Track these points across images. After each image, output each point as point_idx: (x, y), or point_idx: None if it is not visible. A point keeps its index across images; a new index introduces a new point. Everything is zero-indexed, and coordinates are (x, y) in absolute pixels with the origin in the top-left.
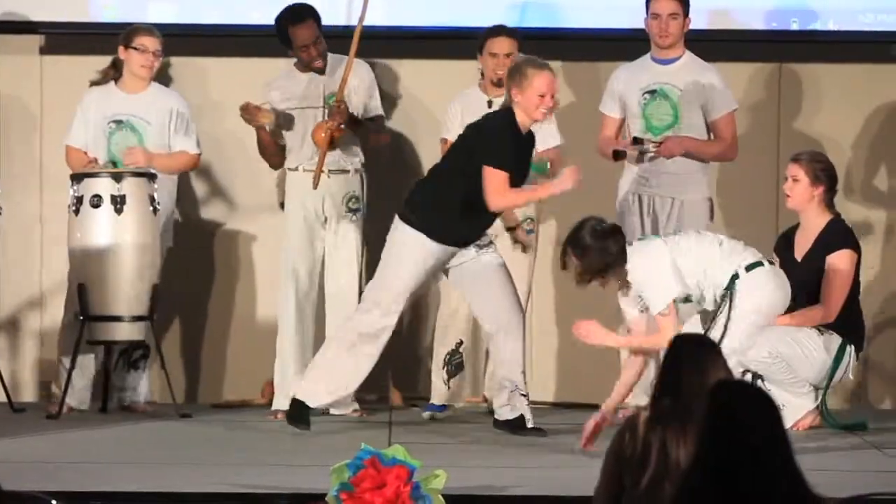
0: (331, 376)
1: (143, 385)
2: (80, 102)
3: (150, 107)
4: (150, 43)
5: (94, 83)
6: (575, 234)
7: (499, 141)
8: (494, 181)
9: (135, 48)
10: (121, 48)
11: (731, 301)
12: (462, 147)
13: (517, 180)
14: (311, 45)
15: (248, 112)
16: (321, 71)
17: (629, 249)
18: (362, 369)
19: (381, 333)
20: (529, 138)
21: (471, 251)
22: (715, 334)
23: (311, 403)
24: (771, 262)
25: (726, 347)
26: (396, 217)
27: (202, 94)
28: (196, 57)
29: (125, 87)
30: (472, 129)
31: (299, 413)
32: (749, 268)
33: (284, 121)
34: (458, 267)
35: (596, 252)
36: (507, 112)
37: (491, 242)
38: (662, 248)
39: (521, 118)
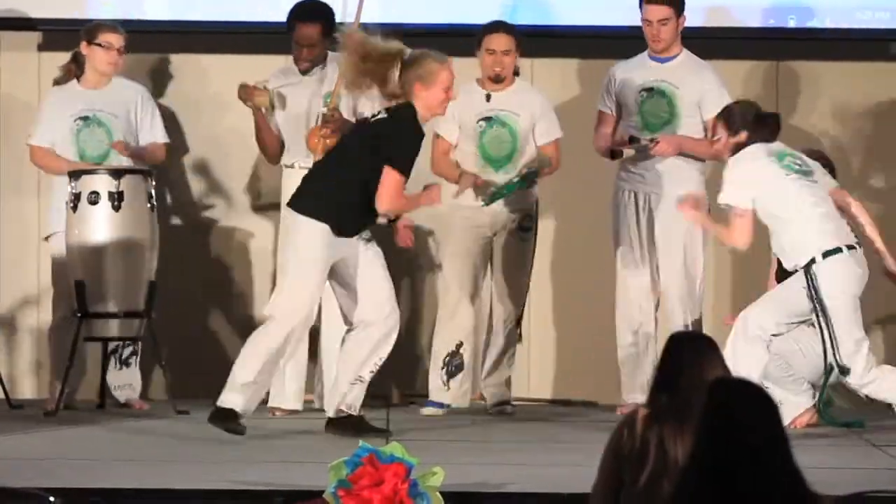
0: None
1: (137, 381)
2: (44, 101)
3: (115, 100)
4: (115, 40)
5: (56, 81)
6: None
7: (408, 144)
8: (392, 184)
9: (99, 45)
10: (83, 44)
11: (815, 293)
12: (368, 139)
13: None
14: (306, 47)
15: (245, 92)
16: (305, 72)
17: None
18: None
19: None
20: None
21: (357, 243)
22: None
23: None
24: (852, 247)
25: (849, 358)
26: (288, 209)
27: (201, 91)
28: (196, 54)
29: (88, 84)
30: (382, 124)
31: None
32: (826, 254)
33: (279, 101)
34: (341, 259)
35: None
36: (410, 108)
37: (371, 238)
38: (770, 167)
39: (422, 114)
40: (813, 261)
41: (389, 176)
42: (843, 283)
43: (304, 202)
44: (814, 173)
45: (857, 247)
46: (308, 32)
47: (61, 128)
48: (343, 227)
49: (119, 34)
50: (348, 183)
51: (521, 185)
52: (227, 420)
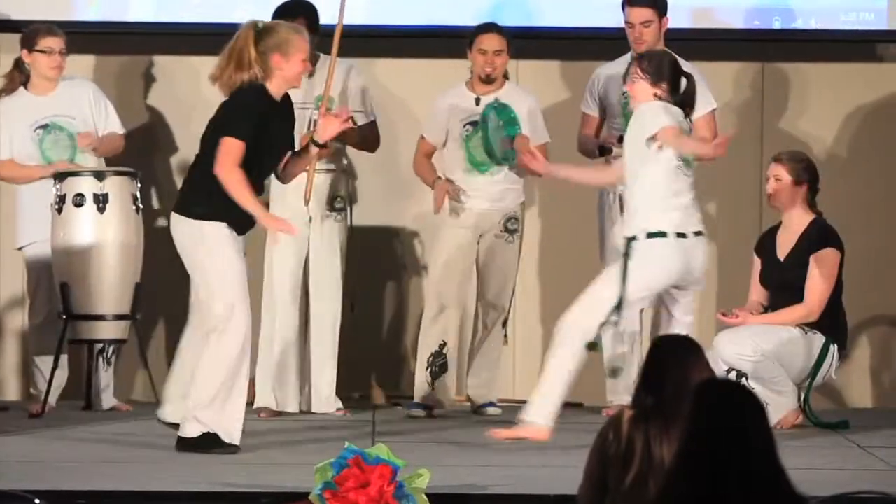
0: None
1: (112, 382)
2: None
3: (68, 103)
4: (55, 43)
5: (1, 91)
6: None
7: (244, 113)
8: (225, 150)
9: (41, 51)
10: (24, 52)
11: (625, 266)
12: (211, 130)
13: (283, 149)
14: None
15: None
16: (310, 75)
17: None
18: None
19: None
20: (287, 103)
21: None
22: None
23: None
24: (698, 233)
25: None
26: (176, 216)
27: (192, 93)
28: (186, 55)
29: (37, 90)
30: (220, 107)
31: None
32: (651, 235)
33: None
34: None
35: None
36: (252, 85)
37: None
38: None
39: (277, 87)
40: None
41: (223, 144)
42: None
43: (192, 205)
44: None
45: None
46: (301, 21)
47: (21, 139)
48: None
49: (58, 36)
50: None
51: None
52: (214, 444)
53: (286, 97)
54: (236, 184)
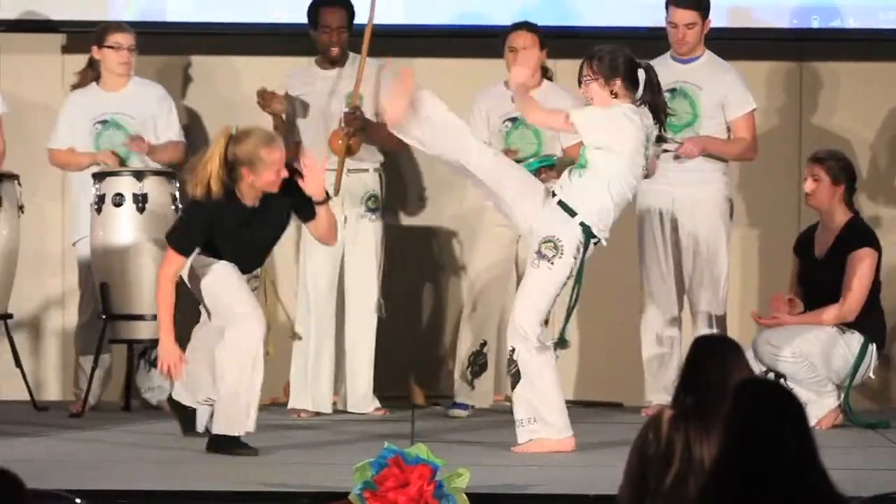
0: None
1: (166, 383)
2: (63, 106)
3: (132, 102)
4: (124, 39)
5: (74, 86)
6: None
7: (189, 227)
8: (166, 258)
9: (109, 47)
10: (94, 48)
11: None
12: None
13: (264, 248)
14: (335, 29)
15: (263, 98)
16: (336, 60)
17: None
18: None
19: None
20: (272, 200)
21: None
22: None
23: None
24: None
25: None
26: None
27: (234, 93)
28: (227, 56)
29: (106, 86)
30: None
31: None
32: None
33: (300, 109)
34: None
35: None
36: (210, 200)
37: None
38: (626, 125)
39: (247, 194)
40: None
41: (167, 248)
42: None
43: None
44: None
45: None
46: (335, 16)
47: (81, 132)
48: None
49: (127, 33)
50: None
51: (539, 164)
52: (237, 446)
53: (268, 198)
54: (162, 295)
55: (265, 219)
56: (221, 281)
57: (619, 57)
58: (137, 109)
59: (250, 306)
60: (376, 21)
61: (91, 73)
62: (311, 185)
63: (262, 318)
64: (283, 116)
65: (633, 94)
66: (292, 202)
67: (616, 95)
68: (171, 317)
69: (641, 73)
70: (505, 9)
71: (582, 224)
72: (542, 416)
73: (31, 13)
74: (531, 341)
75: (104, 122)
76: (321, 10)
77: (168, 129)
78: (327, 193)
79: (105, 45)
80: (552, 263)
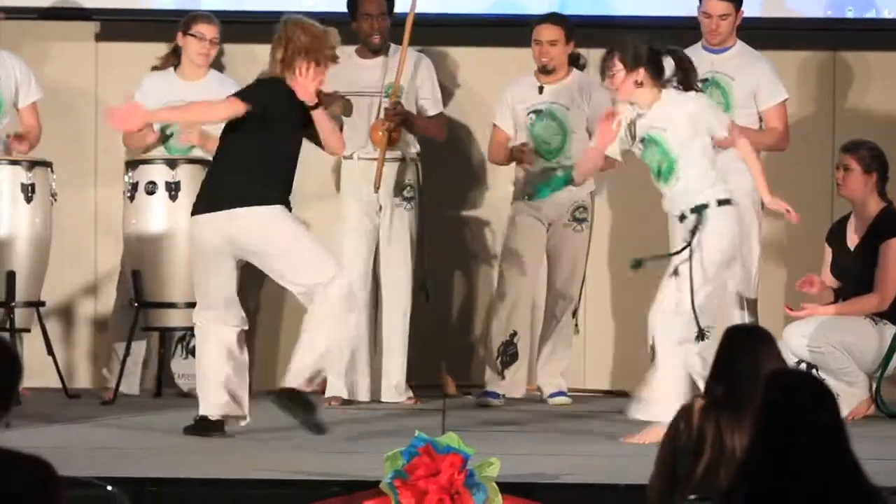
0: None
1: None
2: (140, 87)
3: (205, 93)
4: (208, 30)
5: (154, 68)
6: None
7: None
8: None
9: (192, 35)
10: (179, 34)
11: (693, 235)
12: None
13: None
14: (376, 17)
15: (329, 99)
16: (377, 48)
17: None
18: None
19: None
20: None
21: None
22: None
23: None
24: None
25: (687, 305)
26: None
27: None
28: (254, 44)
29: (183, 74)
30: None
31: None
32: (721, 202)
33: (347, 108)
34: None
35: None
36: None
37: None
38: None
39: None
40: (706, 206)
41: None
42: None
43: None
44: None
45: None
46: (374, 4)
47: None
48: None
49: (213, 24)
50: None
51: (562, 183)
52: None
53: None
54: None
55: (295, 119)
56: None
57: (641, 46)
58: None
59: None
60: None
61: (172, 59)
62: (301, 91)
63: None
64: (343, 118)
65: (658, 81)
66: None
67: (641, 84)
68: (181, 119)
69: (668, 60)
70: None
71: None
72: None
73: (65, 1)
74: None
75: None
76: (361, 0)
77: None
78: (319, 99)
79: (189, 34)
80: None
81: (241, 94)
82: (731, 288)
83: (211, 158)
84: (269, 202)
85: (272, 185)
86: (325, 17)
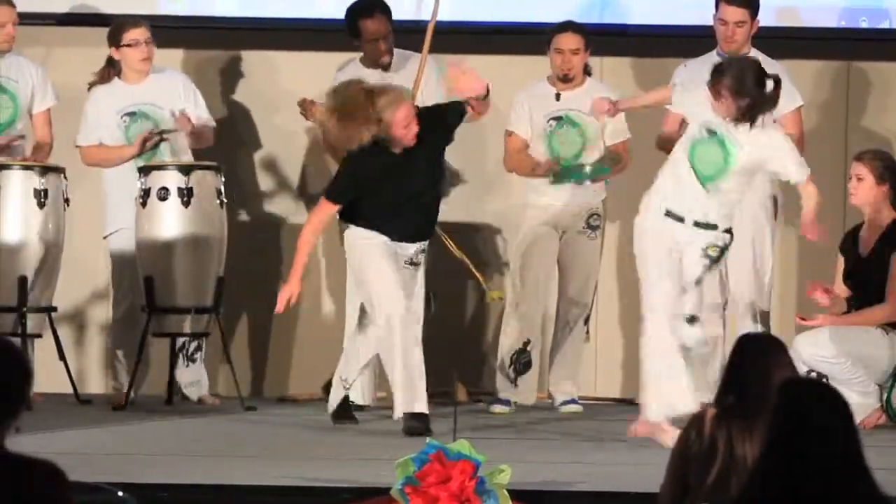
0: None
1: (204, 377)
2: (87, 102)
3: (158, 92)
4: (140, 34)
5: (92, 84)
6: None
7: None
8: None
9: (127, 45)
10: (112, 49)
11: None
12: None
13: (401, 201)
14: (381, 39)
15: (304, 108)
16: (387, 67)
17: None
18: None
19: None
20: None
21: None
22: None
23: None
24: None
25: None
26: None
27: (274, 88)
28: (268, 50)
29: (129, 80)
30: None
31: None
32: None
33: None
34: None
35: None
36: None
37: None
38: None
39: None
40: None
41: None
42: None
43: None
44: None
45: None
46: (377, 26)
47: (108, 125)
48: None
49: (141, 27)
50: None
51: (591, 175)
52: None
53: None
54: (301, 242)
55: (412, 167)
56: (374, 264)
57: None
58: (164, 99)
59: (394, 289)
60: (426, 18)
61: (111, 71)
62: (469, 86)
63: (402, 301)
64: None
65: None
66: (435, 141)
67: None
68: (304, 262)
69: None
70: (552, 5)
71: None
72: None
73: (80, 6)
74: None
75: (132, 114)
76: (363, 23)
77: (199, 112)
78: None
79: (123, 45)
80: None
81: (329, 194)
82: (745, 298)
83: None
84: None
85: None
86: (330, 25)
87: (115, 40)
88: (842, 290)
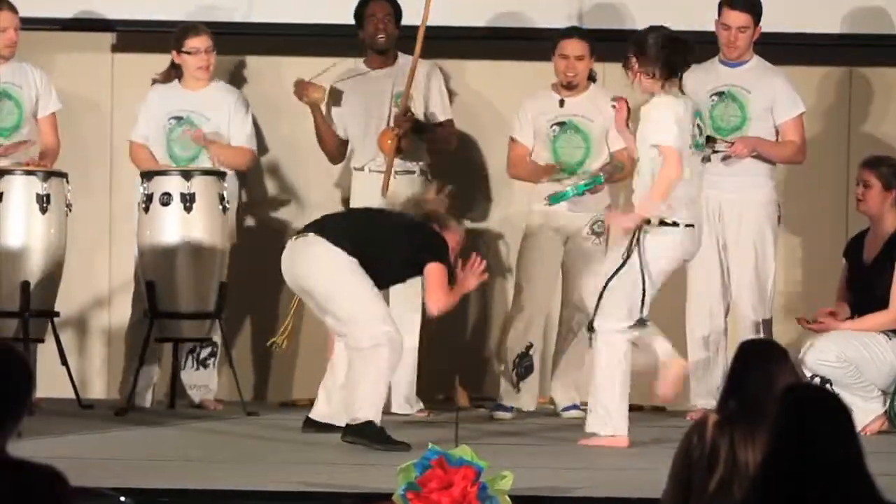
0: None
1: (213, 383)
2: (144, 99)
3: (210, 103)
4: (201, 42)
5: (155, 81)
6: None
7: None
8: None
9: (187, 52)
10: (174, 53)
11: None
12: None
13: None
14: (381, 18)
15: (300, 88)
16: (382, 49)
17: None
18: None
19: None
20: None
21: None
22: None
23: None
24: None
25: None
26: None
27: (279, 94)
28: (273, 56)
29: (187, 85)
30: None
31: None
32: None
33: (333, 98)
34: None
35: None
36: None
37: None
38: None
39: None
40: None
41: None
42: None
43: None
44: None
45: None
46: (381, 7)
47: (155, 125)
48: None
49: (202, 35)
50: None
51: (585, 188)
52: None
53: None
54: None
55: None
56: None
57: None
58: (213, 111)
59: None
60: (429, 22)
61: (174, 73)
62: (468, 282)
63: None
64: (322, 107)
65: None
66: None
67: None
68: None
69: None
70: (555, 11)
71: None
72: None
73: (83, 12)
74: None
75: (179, 119)
76: (368, 5)
77: (239, 133)
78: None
79: (183, 51)
80: None
81: None
82: (749, 311)
83: (215, 164)
84: None
85: None
86: (334, 30)
87: (177, 45)
88: (846, 296)
